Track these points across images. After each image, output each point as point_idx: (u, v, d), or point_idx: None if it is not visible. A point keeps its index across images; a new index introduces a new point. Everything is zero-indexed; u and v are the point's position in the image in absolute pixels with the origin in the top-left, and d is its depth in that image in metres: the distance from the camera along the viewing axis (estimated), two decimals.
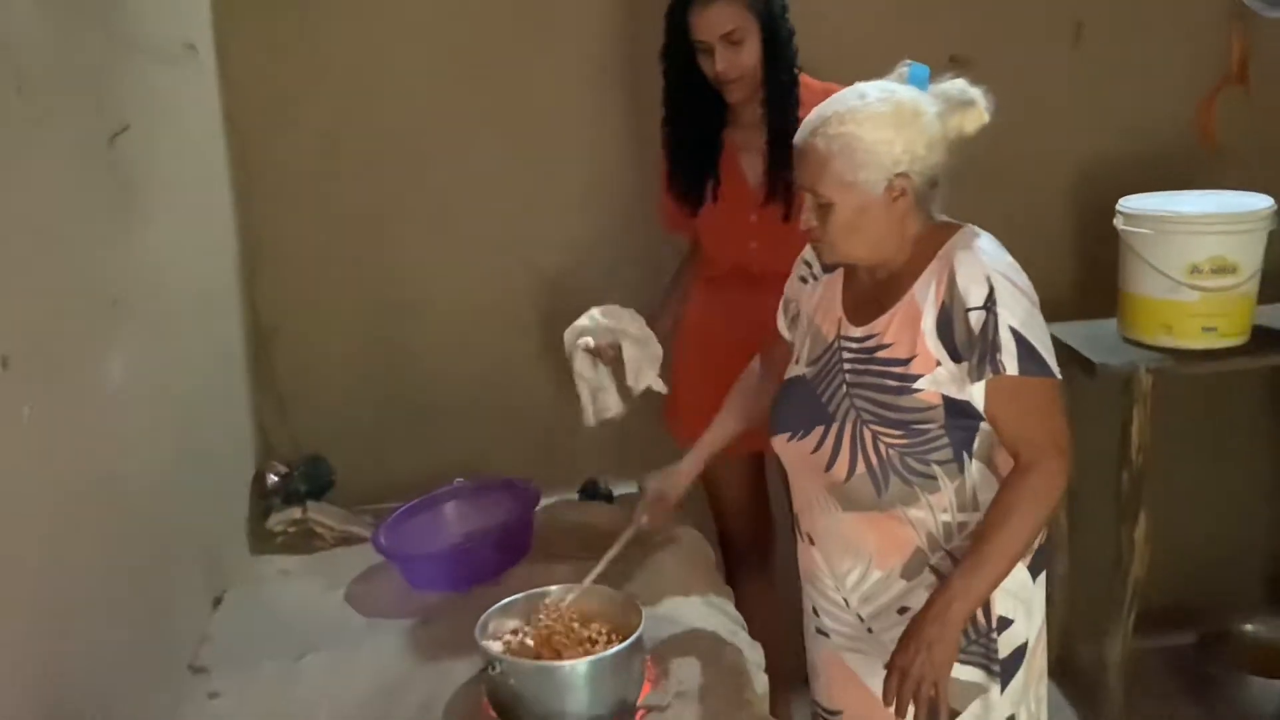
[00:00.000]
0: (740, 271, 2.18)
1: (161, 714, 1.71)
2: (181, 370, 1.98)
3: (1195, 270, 2.33)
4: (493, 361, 2.62)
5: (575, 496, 2.40)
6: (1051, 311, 2.61)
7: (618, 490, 2.39)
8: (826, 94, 2.17)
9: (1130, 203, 2.43)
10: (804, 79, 2.13)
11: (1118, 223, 2.44)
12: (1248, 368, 2.49)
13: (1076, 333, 2.55)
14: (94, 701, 1.50)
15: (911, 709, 1.49)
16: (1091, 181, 2.67)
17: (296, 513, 2.35)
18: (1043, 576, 1.65)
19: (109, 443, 1.62)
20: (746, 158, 2.18)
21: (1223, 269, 2.33)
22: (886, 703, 1.51)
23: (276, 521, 2.35)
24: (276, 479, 2.42)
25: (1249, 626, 2.76)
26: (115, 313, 1.68)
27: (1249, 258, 2.35)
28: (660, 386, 2.13)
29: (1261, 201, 2.38)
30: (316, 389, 2.58)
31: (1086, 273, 2.70)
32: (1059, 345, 2.52)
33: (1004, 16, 2.58)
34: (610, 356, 2.12)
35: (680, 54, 2.10)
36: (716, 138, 2.18)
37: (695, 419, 2.22)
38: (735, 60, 2.05)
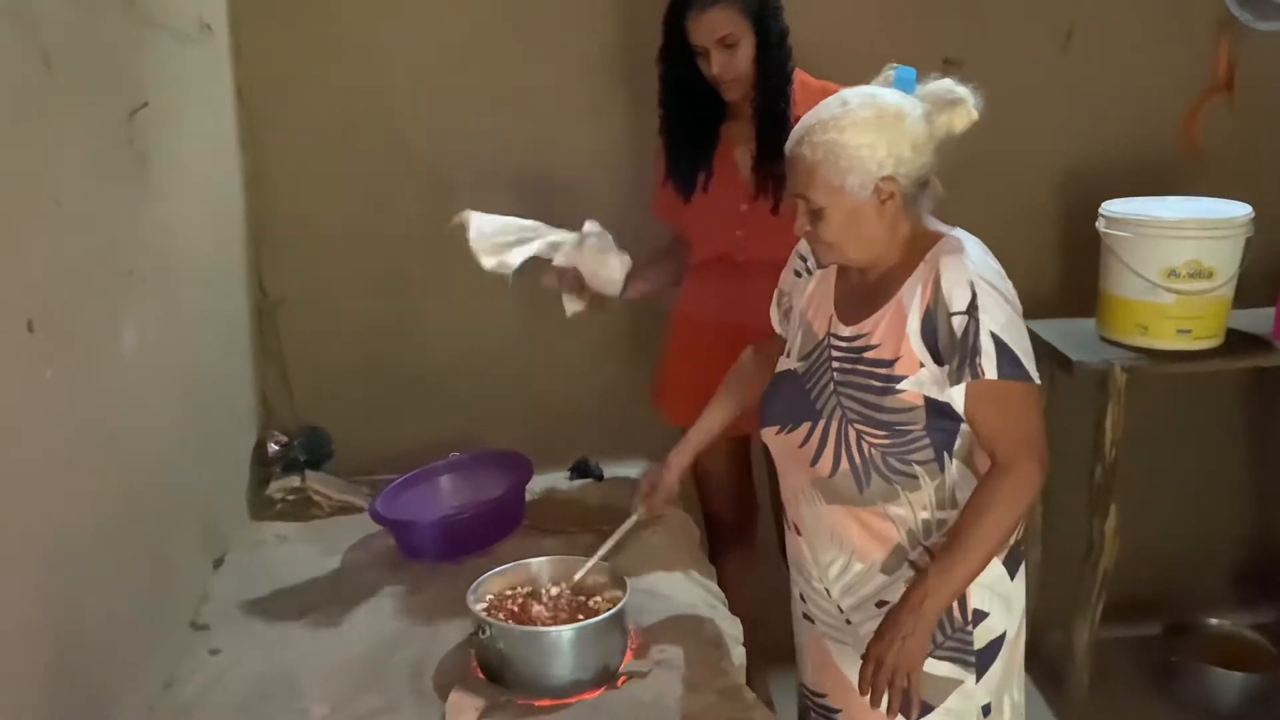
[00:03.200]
0: (726, 259, 2.25)
1: (163, 668, 1.78)
2: (190, 339, 2.04)
3: (1172, 274, 2.40)
4: (491, 339, 2.68)
5: (567, 474, 2.47)
6: (1033, 309, 2.69)
7: (608, 470, 2.46)
8: (824, 92, 2.23)
9: (1112, 206, 2.50)
10: (802, 77, 2.20)
11: (1099, 225, 2.51)
12: (1220, 370, 2.55)
13: (1056, 330, 2.63)
14: (99, 653, 1.56)
15: (886, 698, 1.52)
16: (1077, 184, 2.73)
17: (295, 481, 2.41)
18: (1021, 572, 1.68)
19: (120, 406, 1.69)
20: (740, 150, 2.24)
21: (1199, 273, 2.40)
22: (862, 691, 1.55)
23: (276, 489, 2.41)
24: (277, 448, 2.48)
25: (1213, 619, 2.85)
26: (130, 282, 1.74)
27: (1225, 263, 2.42)
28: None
29: (1240, 209, 2.45)
30: (318, 361, 2.64)
31: (1068, 272, 2.77)
32: (1039, 342, 2.62)
33: (996, 20, 2.64)
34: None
35: (677, 55, 2.17)
36: (713, 132, 2.24)
37: (682, 401, 2.29)
38: (730, 63, 2.12)
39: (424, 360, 2.66)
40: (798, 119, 2.19)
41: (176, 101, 2.01)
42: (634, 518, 1.86)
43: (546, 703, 1.66)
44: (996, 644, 1.64)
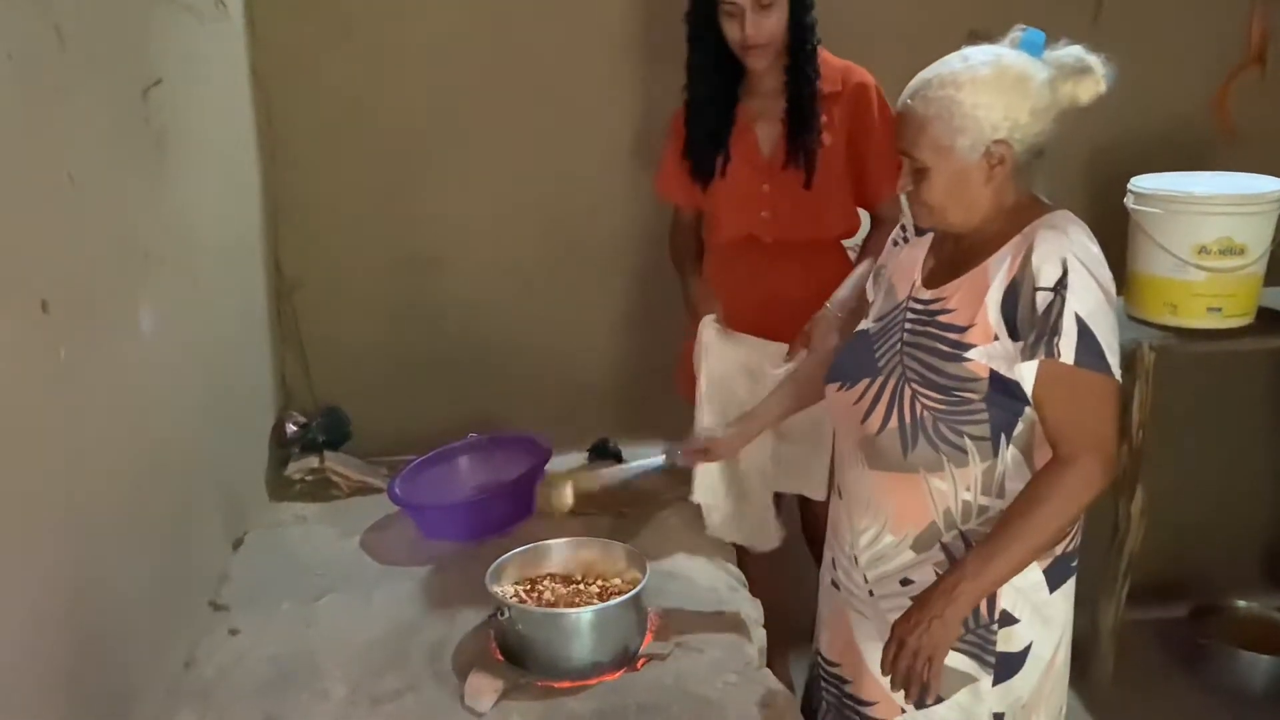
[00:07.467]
0: (751, 241, 2.21)
1: (183, 647, 1.79)
2: (208, 320, 2.04)
3: (1203, 250, 2.35)
4: (509, 320, 2.66)
5: (585, 455, 2.45)
6: None
7: (627, 451, 2.44)
8: (845, 71, 2.18)
9: (1141, 182, 2.45)
10: (823, 54, 2.15)
11: (1128, 201, 2.46)
12: (1252, 349, 2.50)
13: None
14: (119, 634, 1.57)
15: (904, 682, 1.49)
16: (1105, 159, 2.67)
17: (314, 462, 2.42)
18: (1066, 589, 1.58)
19: (139, 387, 1.68)
20: (761, 127, 2.19)
21: (1230, 250, 2.35)
22: (884, 670, 1.51)
23: (295, 470, 2.42)
24: (295, 428, 2.48)
25: (1240, 602, 2.81)
26: (147, 263, 1.73)
27: (1257, 239, 2.37)
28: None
29: (1273, 184, 2.40)
30: (336, 342, 2.63)
31: None
32: None
33: None
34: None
35: (705, 16, 2.10)
36: (730, 111, 2.19)
37: None
38: (762, 26, 2.05)
39: (442, 341, 2.65)
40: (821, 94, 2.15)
41: (191, 80, 2.00)
42: (667, 458, 1.80)
43: (566, 684, 1.66)
44: (1022, 655, 1.56)
